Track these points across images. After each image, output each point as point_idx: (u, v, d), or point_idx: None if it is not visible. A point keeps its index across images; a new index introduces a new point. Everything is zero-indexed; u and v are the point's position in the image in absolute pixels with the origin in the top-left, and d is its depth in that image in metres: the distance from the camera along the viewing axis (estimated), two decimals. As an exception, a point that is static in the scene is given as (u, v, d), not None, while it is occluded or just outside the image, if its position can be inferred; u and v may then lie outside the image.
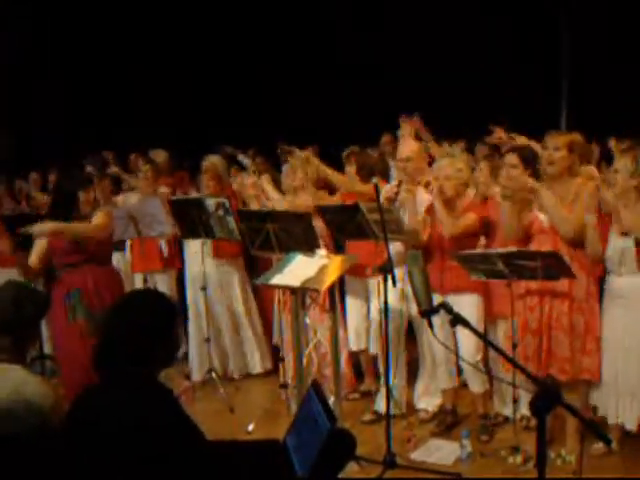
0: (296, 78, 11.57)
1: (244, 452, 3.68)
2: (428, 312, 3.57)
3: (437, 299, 5.44)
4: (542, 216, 5.26)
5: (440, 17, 10.61)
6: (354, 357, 6.84)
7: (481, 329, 5.71)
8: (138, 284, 7.45)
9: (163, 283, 7.68)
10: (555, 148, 5.22)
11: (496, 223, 5.76)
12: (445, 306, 3.35)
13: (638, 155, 5.18)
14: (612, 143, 7.27)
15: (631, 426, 5.24)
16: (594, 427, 3.12)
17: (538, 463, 3.12)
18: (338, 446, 3.20)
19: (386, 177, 6.69)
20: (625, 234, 5.01)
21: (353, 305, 6.61)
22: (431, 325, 3.64)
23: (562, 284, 5.15)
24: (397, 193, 5.79)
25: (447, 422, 6.03)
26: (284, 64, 11.82)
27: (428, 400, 6.27)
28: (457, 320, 3.27)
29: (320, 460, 3.15)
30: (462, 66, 10.31)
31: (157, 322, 3.15)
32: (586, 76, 9.83)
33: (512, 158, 5.59)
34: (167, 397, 3.11)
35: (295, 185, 6.70)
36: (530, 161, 5.47)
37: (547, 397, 2.95)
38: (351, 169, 6.61)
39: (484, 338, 3.41)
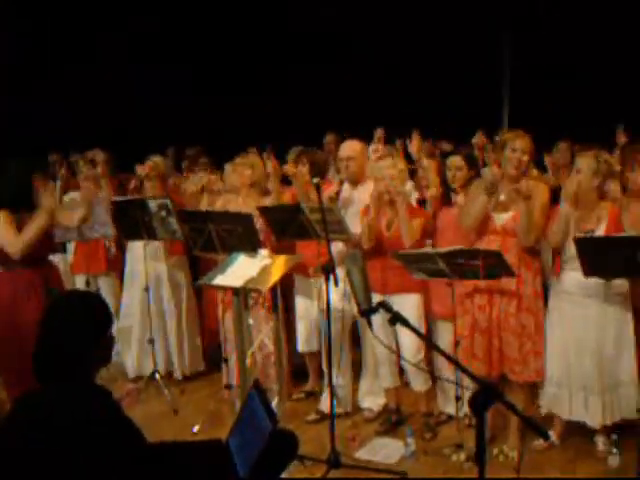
0: (237, 77, 11.50)
1: (186, 453, 3.65)
2: (367, 311, 3.58)
3: (379, 299, 5.50)
4: (495, 216, 5.32)
5: (390, 24, 10.61)
6: (300, 357, 6.83)
7: (422, 328, 5.74)
8: (79, 286, 7.37)
9: (106, 285, 7.60)
10: (523, 152, 5.28)
11: (442, 227, 5.83)
12: (384, 305, 3.37)
13: (599, 155, 5.23)
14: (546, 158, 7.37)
15: (593, 423, 5.32)
16: (532, 423, 3.15)
17: (478, 459, 3.15)
18: (280, 446, 3.20)
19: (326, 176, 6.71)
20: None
21: (301, 305, 6.58)
22: (370, 324, 3.65)
23: (510, 284, 5.21)
24: (338, 193, 5.80)
25: (391, 421, 6.06)
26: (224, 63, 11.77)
27: (372, 399, 6.29)
28: (396, 319, 3.29)
29: (262, 460, 3.15)
30: (407, 73, 10.33)
31: (88, 324, 3.12)
32: (525, 85, 9.95)
33: (457, 160, 5.67)
34: (104, 399, 3.08)
35: (239, 185, 6.66)
36: (474, 163, 5.53)
37: (486, 394, 2.98)
38: (303, 168, 6.60)
39: (423, 337, 3.43)
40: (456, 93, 9.76)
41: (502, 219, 5.29)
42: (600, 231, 5.10)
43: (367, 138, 6.34)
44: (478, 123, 6.50)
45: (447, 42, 10.01)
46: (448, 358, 3.46)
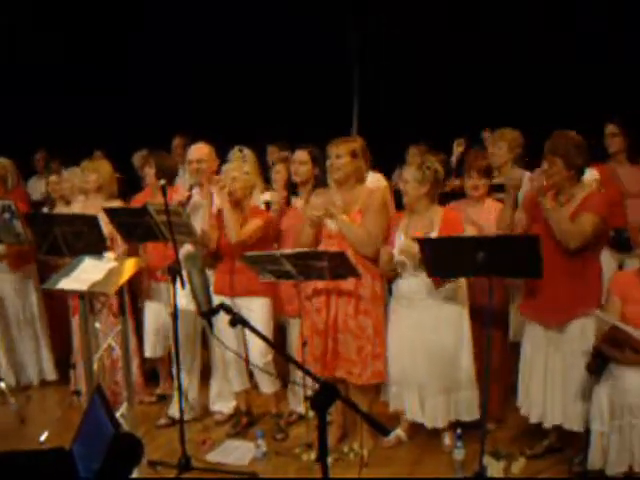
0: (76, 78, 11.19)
1: (27, 463, 3.58)
2: (207, 313, 3.58)
3: (229, 302, 5.53)
4: (329, 221, 5.38)
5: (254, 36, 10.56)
6: (150, 361, 6.75)
7: (270, 330, 5.80)
8: None
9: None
10: (337, 156, 5.34)
11: (286, 229, 5.88)
12: (224, 307, 3.37)
13: (424, 164, 5.35)
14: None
15: (431, 424, 5.46)
16: (371, 420, 3.20)
17: (320, 457, 3.19)
18: (123, 450, 3.17)
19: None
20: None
21: (151, 309, 6.49)
22: (211, 326, 3.65)
23: (349, 286, 5.28)
24: (189, 197, 5.77)
25: (242, 423, 6.06)
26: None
27: (223, 402, 6.27)
28: (236, 321, 3.29)
29: (105, 465, 3.11)
30: (255, 76, 10.31)
31: None
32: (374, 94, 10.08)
33: (302, 155, 5.75)
34: None
35: (87, 187, 6.55)
36: (318, 160, 5.60)
37: (326, 393, 3.02)
38: (150, 171, 6.51)
39: (265, 339, 3.44)
40: (305, 97, 9.80)
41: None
42: (434, 235, 5.24)
43: (213, 141, 6.31)
44: (329, 127, 6.54)
45: (293, 44, 10.03)
46: (288, 359, 3.50)
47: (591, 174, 5.79)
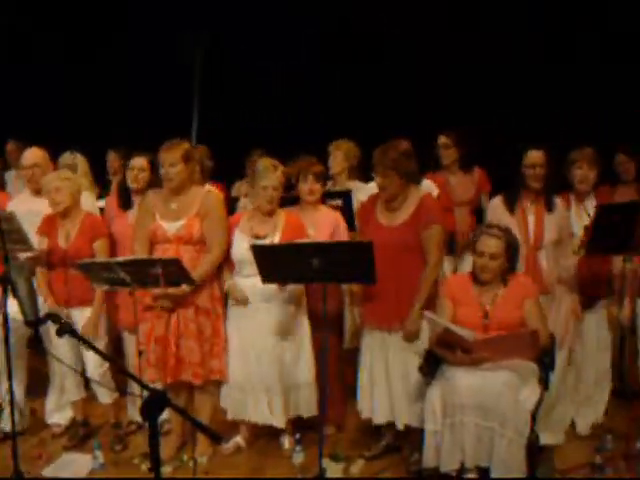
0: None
1: None
2: (33, 322, 3.49)
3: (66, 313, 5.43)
4: (166, 225, 5.35)
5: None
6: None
7: (104, 340, 5.76)
8: None
9: None
10: (170, 164, 5.29)
11: (119, 236, 5.81)
12: (51, 316, 3.30)
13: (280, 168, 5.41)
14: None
15: (278, 423, 5.50)
16: (203, 427, 3.20)
17: (153, 467, 3.16)
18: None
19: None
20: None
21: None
22: (37, 335, 3.57)
23: (186, 289, 5.23)
24: None
25: (79, 435, 5.93)
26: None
27: (60, 414, 6.12)
28: (64, 330, 3.23)
29: None
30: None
31: None
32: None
33: (141, 162, 5.82)
34: None
35: None
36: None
37: (155, 401, 2.99)
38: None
39: (94, 348, 3.37)
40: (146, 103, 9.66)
41: (174, 228, 5.34)
42: (275, 238, 5.31)
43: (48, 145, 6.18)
44: (168, 132, 6.47)
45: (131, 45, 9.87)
46: (119, 369, 3.45)
47: (428, 185, 5.97)
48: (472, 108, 8.06)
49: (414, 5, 8.51)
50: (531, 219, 5.41)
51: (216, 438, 3.27)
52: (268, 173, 5.33)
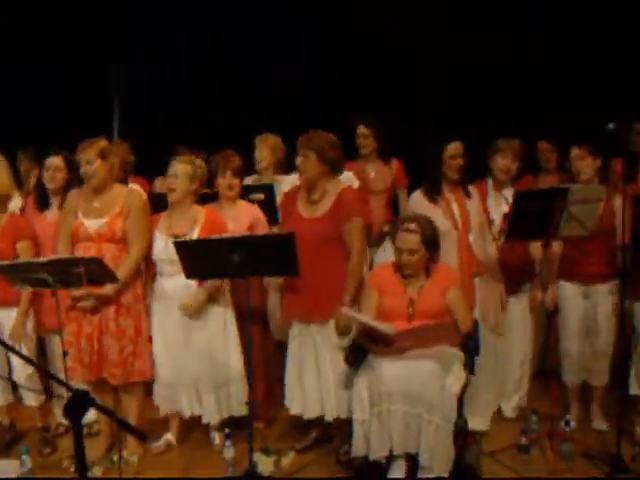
0: None
1: None
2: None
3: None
4: (87, 222, 5.29)
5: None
6: None
7: (32, 341, 5.67)
8: None
9: None
10: (87, 162, 5.24)
11: (41, 235, 5.73)
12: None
13: (195, 160, 5.41)
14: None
15: (210, 419, 5.55)
16: (127, 426, 3.18)
17: (78, 468, 3.13)
18: None
19: None
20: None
21: None
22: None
23: (108, 288, 5.18)
24: None
25: (6, 440, 5.83)
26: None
27: (-15, 420, 6.01)
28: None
29: None
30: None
31: None
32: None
33: (57, 161, 5.75)
34: None
35: None
36: (73, 165, 5.48)
37: (79, 401, 2.96)
38: None
39: (17, 352, 3.32)
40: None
41: (96, 225, 5.28)
42: (194, 235, 5.29)
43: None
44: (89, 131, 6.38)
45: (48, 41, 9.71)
46: (41, 371, 3.40)
47: (347, 177, 5.98)
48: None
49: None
50: (454, 206, 5.48)
51: (142, 437, 3.26)
52: (172, 163, 5.39)
